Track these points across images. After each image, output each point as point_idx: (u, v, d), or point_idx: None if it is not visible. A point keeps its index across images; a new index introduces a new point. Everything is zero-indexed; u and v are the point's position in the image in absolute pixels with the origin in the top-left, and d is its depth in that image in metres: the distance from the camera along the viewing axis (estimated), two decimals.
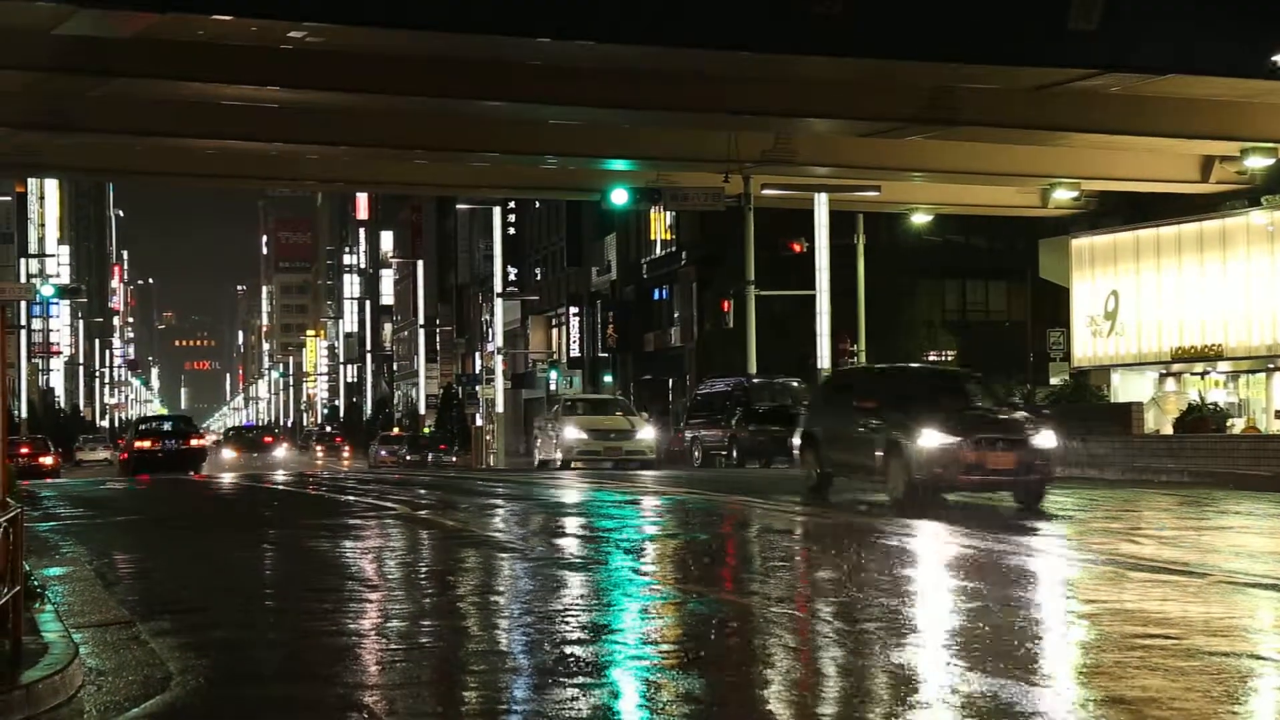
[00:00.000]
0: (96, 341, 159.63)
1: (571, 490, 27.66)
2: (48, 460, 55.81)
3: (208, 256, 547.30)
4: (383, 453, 72.45)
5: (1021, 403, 28.62)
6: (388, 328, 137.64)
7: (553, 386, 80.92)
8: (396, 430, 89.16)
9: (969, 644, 10.29)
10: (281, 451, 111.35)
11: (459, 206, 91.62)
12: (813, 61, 31.93)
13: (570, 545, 17.61)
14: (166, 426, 52.71)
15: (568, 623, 11.46)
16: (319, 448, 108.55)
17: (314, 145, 39.43)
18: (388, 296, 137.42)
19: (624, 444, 39.72)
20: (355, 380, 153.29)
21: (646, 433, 40.79)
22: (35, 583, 11.55)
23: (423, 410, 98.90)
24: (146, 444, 48.23)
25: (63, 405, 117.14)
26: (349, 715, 8.49)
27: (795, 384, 42.68)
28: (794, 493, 23.91)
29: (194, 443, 48.95)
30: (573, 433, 39.96)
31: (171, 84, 32.17)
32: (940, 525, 18.56)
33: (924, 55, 31.55)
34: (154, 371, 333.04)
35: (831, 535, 18.52)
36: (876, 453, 21.56)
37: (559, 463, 40.34)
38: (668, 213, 60.59)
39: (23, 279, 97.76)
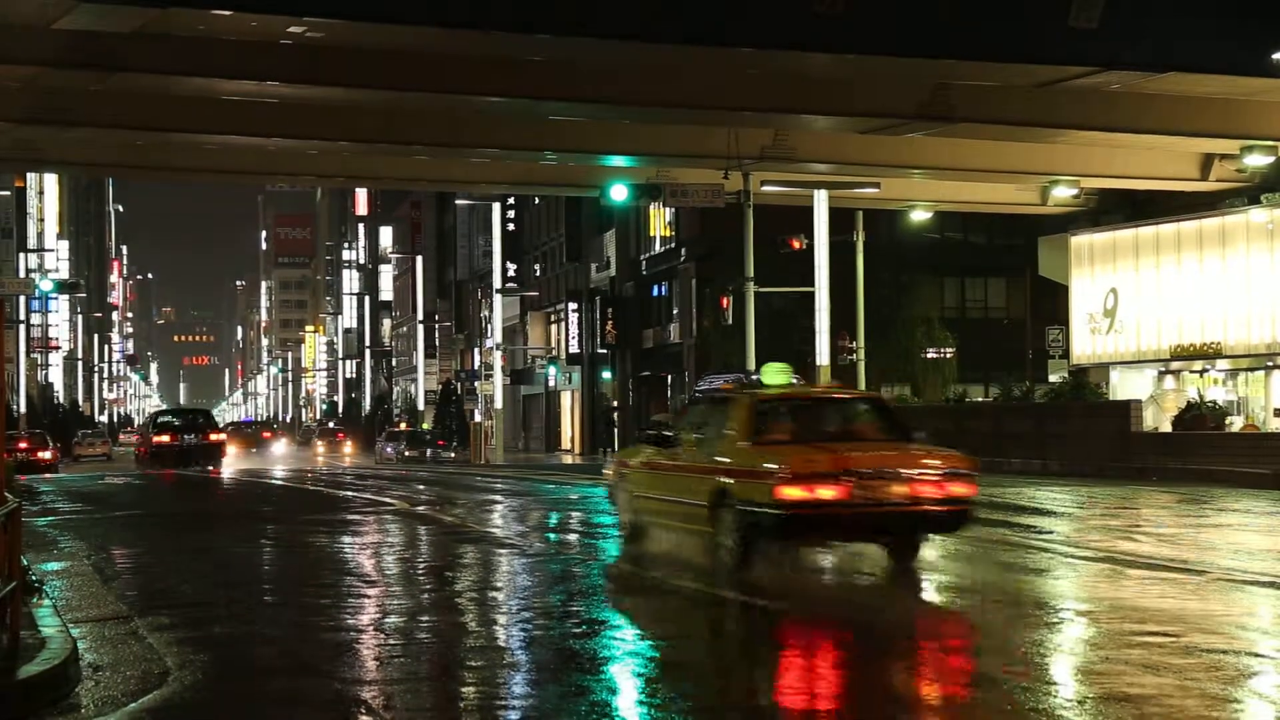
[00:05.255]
0: (95, 336, 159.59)
1: (569, 486, 27.67)
2: (46, 455, 55.81)
3: (207, 252, 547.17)
4: (389, 449, 70.93)
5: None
6: (387, 323, 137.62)
7: (551, 383, 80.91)
8: (404, 426, 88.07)
9: None
10: (280, 447, 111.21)
11: (458, 202, 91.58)
12: (813, 58, 31.92)
13: (568, 541, 17.60)
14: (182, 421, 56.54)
15: (565, 618, 11.46)
16: (320, 443, 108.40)
17: (314, 140, 39.39)
18: (387, 292, 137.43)
19: None
20: (354, 376, 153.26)
21: None
22: (33, 577, 11.54)
23: (421, 406, 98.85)
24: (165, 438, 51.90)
25: (61, 400, 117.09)
26: (347, 710, 8.48)
27: (794, 381, 42.65)
28: None
29: (213, 437, 52.33)
30: None
31: (171, 79, 32.14)
32: None
33: (924, 52, 31.53)
34: (153, 366, 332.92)
35: None
36: None
37: None
38: (667, 209, 60.58)
39: (22, 274, 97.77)
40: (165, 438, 48.15)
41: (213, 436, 49.13)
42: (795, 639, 11.16)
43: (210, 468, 43.71)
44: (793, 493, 14.15)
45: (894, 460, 14.65)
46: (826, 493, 14.15)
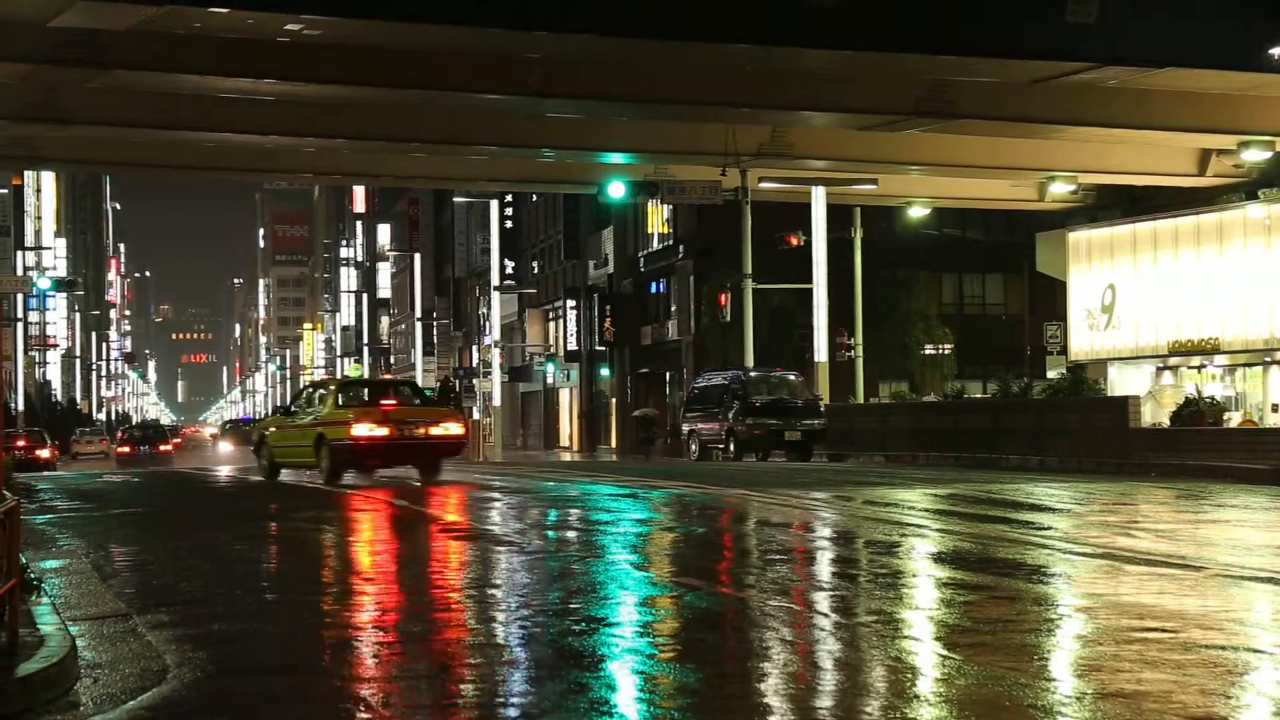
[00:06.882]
0: (93, 334, 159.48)
1: (568, 483, 27.67)
2: (44, 453, 55.94)
3: (205, 249, 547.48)
4: None
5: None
6: (385, 321, 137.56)
7: (549, 380, 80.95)
8: None
9: None
10: None
11: (456, 199, 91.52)
12: (810, 55, 31.94)
13: (566, 538, 17.61)
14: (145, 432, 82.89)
15: (564, 615, 11.46)
16: None
17: (311, 138, 39.43)
18: (385, 289, 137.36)
19: None
20: None
21: None
22: (32, 575, 11.53)
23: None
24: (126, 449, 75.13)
25: (59, 398, 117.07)
26: (346, 707, 8.48)
27: (792, 377, 42.69)
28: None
29: (161, 448, 74.47)
30: None
31: (169, 76, 32.17)
32: None
33: (921, 48, 31.55)
34: (151, 364, 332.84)
35: None
36: None
37: None
38: (665, 206, 60.61)
39: (19, 272, 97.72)
40: (126, 449, 73.15)
41: (161, 447, 72.03)
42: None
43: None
44: (358, 430, 26.06)
45: (417, 414, 27.30)
46: (378, 431, 25.99)
